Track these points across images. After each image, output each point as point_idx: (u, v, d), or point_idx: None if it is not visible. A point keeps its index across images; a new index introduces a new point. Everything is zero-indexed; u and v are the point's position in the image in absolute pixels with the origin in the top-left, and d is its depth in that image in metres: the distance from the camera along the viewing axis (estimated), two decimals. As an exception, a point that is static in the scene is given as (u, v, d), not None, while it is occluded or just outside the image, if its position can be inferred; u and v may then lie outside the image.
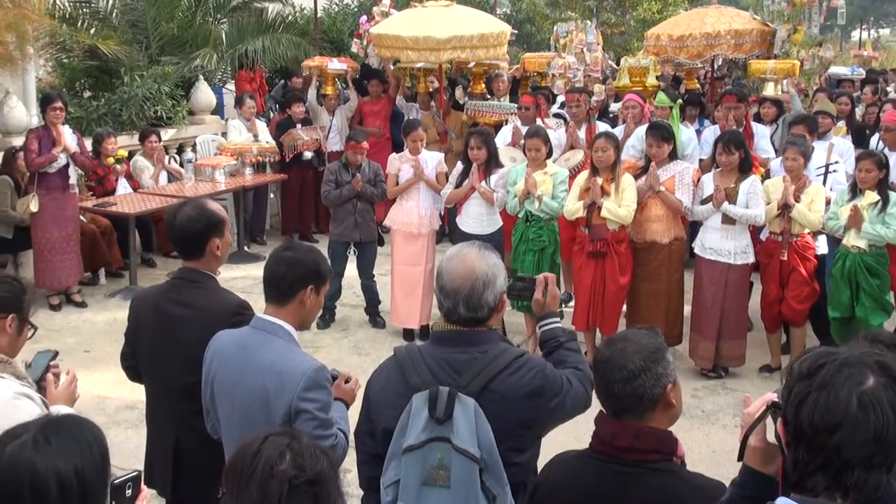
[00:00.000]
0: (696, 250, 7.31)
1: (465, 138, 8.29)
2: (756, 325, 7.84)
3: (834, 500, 1.79)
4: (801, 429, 1.80)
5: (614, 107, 10.99)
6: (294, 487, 2.00)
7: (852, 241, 6.80)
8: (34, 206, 8.62)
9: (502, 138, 9.17)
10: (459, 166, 7.95)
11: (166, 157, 10.89)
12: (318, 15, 14.42)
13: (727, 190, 7.01)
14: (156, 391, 3.88)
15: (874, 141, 9.05)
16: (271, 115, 12.73)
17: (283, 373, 3.13)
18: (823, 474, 1.78)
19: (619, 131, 8.86)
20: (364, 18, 12.55)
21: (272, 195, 12.33)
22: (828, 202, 7.10)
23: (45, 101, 8.85)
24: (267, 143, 11.17)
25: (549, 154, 7.68)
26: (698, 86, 12.21)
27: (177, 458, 3.75)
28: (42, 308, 8.66)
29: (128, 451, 5.17)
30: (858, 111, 10.71)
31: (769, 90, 10.44)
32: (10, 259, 9.36)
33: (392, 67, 11.92)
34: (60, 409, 2.98)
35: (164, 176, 10.62)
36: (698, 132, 9.43)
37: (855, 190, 6.91)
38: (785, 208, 6.98)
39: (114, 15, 12.75)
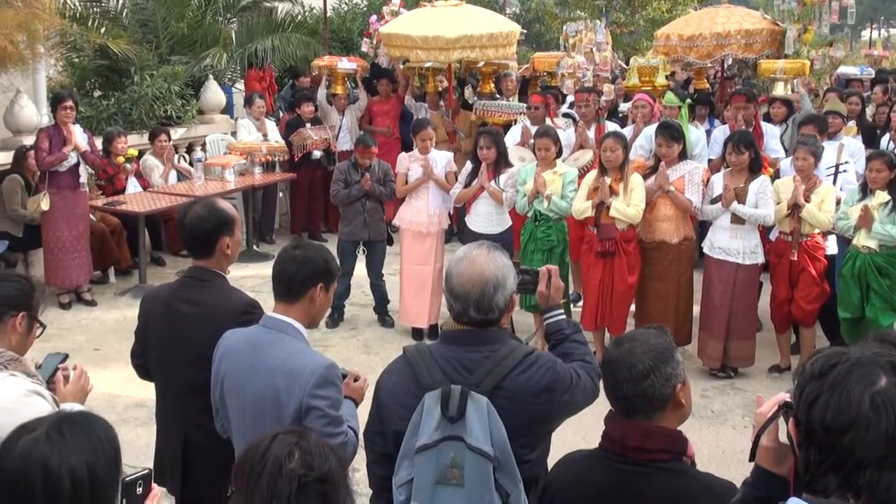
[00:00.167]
0: (706, 250, 7.30)
1: (475, 138, 8.29)
2: (765, 325, 7.83)
3: (846, 501, 1.78)
4: (813, 429, 1.80)
5: (623, 106, 10.97)
6: (303, 486, 2.00)
7: (862, 241, 6.78)
8: (45, 205, 8.65)
9: (512, 138, 9.17)
10: (469, 166, 7.95)
11: (176, 157, 10.91)
12: (328, 14, 14.44)
13: (737, 190, 7.00)
14: (165, 389, 3.89)
15: (885, 141, 9.03)
16: (280, 114, 12.74)
17: (293, 370, 3.14)
18: (835, 475, 1.77)
19: (628, 131, 8.84)
20: (374, 18, 12.56)
21: (281, 194, 12.34)
22: (838, 202, 7.08)
23: (55, 101, 8.89)
24: (276, 142, 11.19)
25: (559, 154, 7.68)
26: (707, 85, 12.17)
27: (186, 457, 3.76)
28: (52, 306, 8.69)
29: (137, 449, 5.19)
30: (869, 111, 10.67)
31: (779, 90, 10.41)
32: (20, 257, 9.39)
33: (401, 67, 11.92)
34: (73, 407, 2.99)
35: (173, 175, 10.64)
36: (708, 132, 9.42)
37: (865, 190, 6.89)
38: (795, 208, 6.97)
39: (124, 14, 12.78)
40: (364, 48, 12.62)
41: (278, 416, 3.12)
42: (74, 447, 1.96)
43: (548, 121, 9.18)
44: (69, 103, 8.69)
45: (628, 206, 7.05)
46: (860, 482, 1.75)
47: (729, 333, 7.20)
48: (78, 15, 12.13)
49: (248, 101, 11.63)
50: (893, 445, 1.75)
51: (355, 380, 3.49)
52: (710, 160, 8.57)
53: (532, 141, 8.28)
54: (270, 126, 11.41)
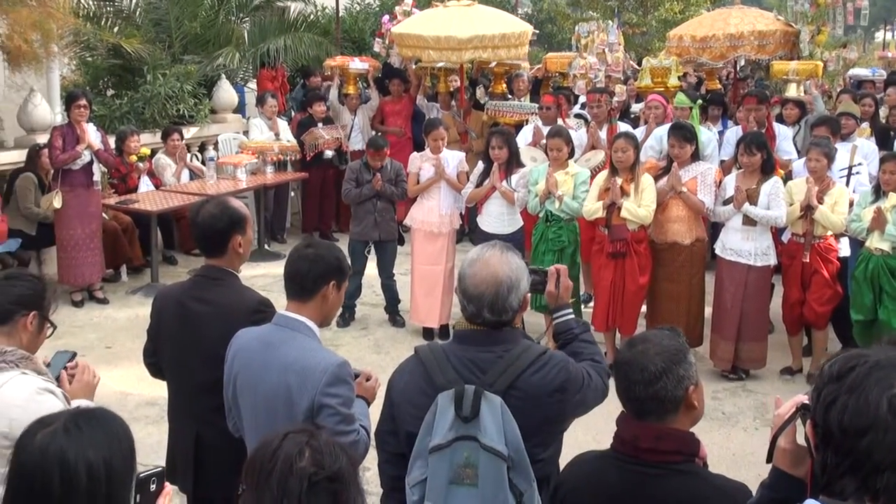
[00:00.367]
0: (717, 251, 7.28)
1: (487, 138, 8.29)
2: (777, 327, 7.80)
3: (863, 504, 1.77)
4: (831, 431, 1.79)
5: (636, 107, 10.96)
6: (313, 484, 2.01)
7: (875, 243, 6.75)
8: (57, 203, 8.69)
9: (523, 138, 9.16)
10: (480, 165, 7.95)
11: (188, 156, 10.94)
12: (340, 14, 14.46)
13: (749, 191, 6.98)
14: (177, 388, 3.90)
15: (898, 143, 8.98)
16: (292, 113, 12.76)
17: (305, 368, 3.14)
18: (852, 477, 1.77)
19: (640, 132, 8.83)
20: (386, 18, 12.57)
21: (293, 194, 12.36)
22: (851, 204, 7.05)
23: (69, 99, 8.92)
24: (288, 141, 11.20)
25: (571, 154, 7.67)
26: (719, 86, 12.15)
27: (198, 455, 3.77)
28: (64, 304, 8.73)
29: (149, 447, 5.20)
30: (882, 113, 10.62)
31: (792, 91, 10.37)
32: (33, 255, 9.42)
33: (414, 67, 11.92)
34: (84, 403, 3.00)
35: (185, 174, 10.67)
36: (721, 133, 9.40)
37: (878, 192, 6.86)
38: (808, 210, 6.94)
39: (137, 14, 12.83)
40: (376, 48, 12.63)
41: (290, 414, 3.13)
42: (91, 441, 1.97)
43: (559, 121, 9.17)
44: (83, 102, 8.72)
45: (639, 206, 7.04)
46: (878, 485, 1.74)
47: (740, 335, 7.18)
48: (91, 14, 12.17)
49: (261, 101, 11.65)
50: None
51: (367, 379, 3.49)
52: (722, 161, 8.55)
53: (544, 141, 8.27)
54: (282, 125, 11.43)
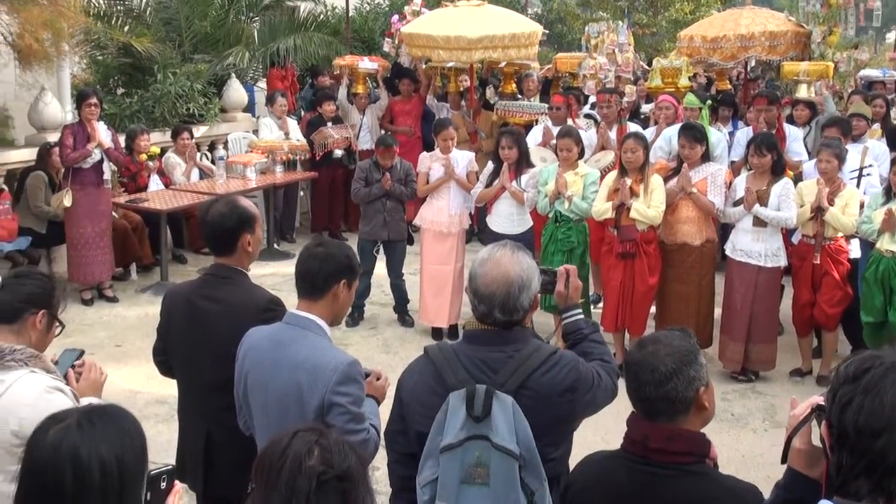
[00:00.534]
0: (727, 252, 7.26)
1: (497, 138, 8.28)
2: (787, 328, 7.78)
3: (877, 505, 1.77)
4: (846, 432, 1.78)
5: (645, 108, 10.94)
6: (322, 483, 2.00)
7: (886, 245, 6.72)
8: (67, 201, 8.71)
9: (533, 138, 9.15)
10: (490, 165, 7.94)
11: (198, 155, 10.95)
12: (350, 14, 14.46)
13: (759, 192, 6.96)
14: (187, 386, 3.91)
15: (909, 144, 8.95)
16: (302, 113, 12.77)
17: (316, 367, 3.15)
18: (867, 479, 1.76)
19: (650, 132, 8.82)
20: (396, 17, 12.57)
21: (302, 193, 12.38)
22: (862, 206, 7.03)
23: (80, 98, 8.94)
24: (298, 140, 11.22)
25: (581, 155, 7.66)
26: (730, 87, 12.13)
27: (208, 453, 3.78)
28: (74, 302, 8.75)
29: (158, 445, 5.21)
30: (893, 114, 10.58)
31: (802, 92, 10.35)
32: (43, 253, 9.45)
33: (424, 66, 11.93)
34: (93, 401, 3.00)
35: (195, 173, 10.69)
36: (731, 134, 9.38)
37: (889, 193, 6.84)
38: (818, 211, 6.92)
39: (147, 13, 12.85)
40: (386, 48, 12.64)
41: (301, 412, 3.13)
42: (104, 438, 1.97)
43: (569, 121, 9.16)
44: (94, 100, 8.74)
45: (649, 207, 7.03)
46: (892, 487, 1.74)
47: (750, 336, 7.16)
48: (102, 13, 12.21)
49: (270, 100, 11.66)
50: None
51: (377, 378, 3.49)
52: (732, 162, 8.53)
53: (553, 141, 8.26)
54: (292, 125, 11.45)
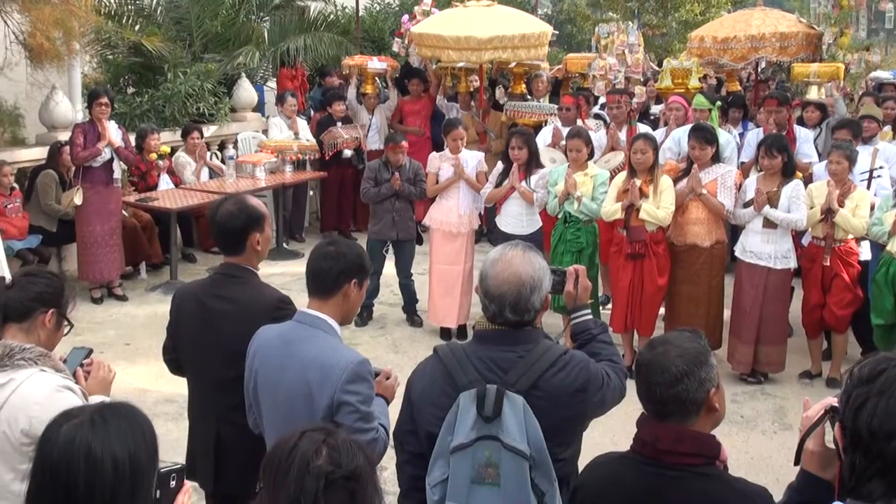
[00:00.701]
0: (737, 253, 7.24)
1: (506, 138, 8.28)
2: (797, 330, 7.76)
3: (890, 507, 1.76)
4: (859, 434, 1.78)
5: (655, 109, 10.93)
6: (330, 483, 2.01)
7: (897, 247, 6.70)
8: (78, 200, 8.74)
9: (542, 139, 9.14)
10: (500, 166, 7.94)
11: (208, 154, 10.97)
12: (360, 13, 14.47)
13: (769, 194, 6.94)
14: (197, 385, 3.92)
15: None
16: (311, 113, 12.78)
17: (325, 366, 3.15)
18: (881, 480, 1.76)
19: (660, 133, 8.80)
20: (405, 17, 12.57)
21: (312, 192, 12.39)
22: (872, 207, 7.00)
23: (91, 97, 8.97)
24: (307, 140, 11.23)
25: (591, 155, 7.65)
26: (739, 88, 12.10)
27: (217, 452, 3.79)
28: (84, 301, 8.76)
29: (167, 443, 5.19)
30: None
31: (813, 94, 10.33)
32: (53, 252, 9.48)
33: (433, 67, 11.92)
34: (103, 399, 3.01)
35: (205, 172, 10.71)
36: (741, 135, 9.35)
37: (900, 195, 6.81)
38: (828, 213, 6.90)
39: (158, 12, 12.88)
40: (395, 48, 12.63)
41: (310, 411, 3.13)
42: (117, 435, 1.98)
43: (579, 122, 9.15)
44: (104, 100, 8.76)
45: (658, 208, 7.01)
46: None
47: (759, 338, 7.14)
48: (113, 12, 12.23)
49: (280, 100, 11.68)
50: None
51: (387, 378, 3.49)
52: (742, 163, 8.51)
53: (563, 142, 8.25)
54: (302, 124, 11.46)
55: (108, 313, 8.80)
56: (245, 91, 12.44)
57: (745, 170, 8.19)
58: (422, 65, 12.00)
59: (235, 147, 11.72)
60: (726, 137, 8.53)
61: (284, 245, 11.05)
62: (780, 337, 7.25)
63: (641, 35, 11.57)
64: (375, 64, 11.97)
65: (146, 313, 8.73)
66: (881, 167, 7.79)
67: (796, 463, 2.12)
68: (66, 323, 3.24)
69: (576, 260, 7.25)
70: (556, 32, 13.46)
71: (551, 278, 3.06)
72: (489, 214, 9.54)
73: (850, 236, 6.98)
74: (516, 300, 2.86)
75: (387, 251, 8.41)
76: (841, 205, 6.89)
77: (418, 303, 8.62)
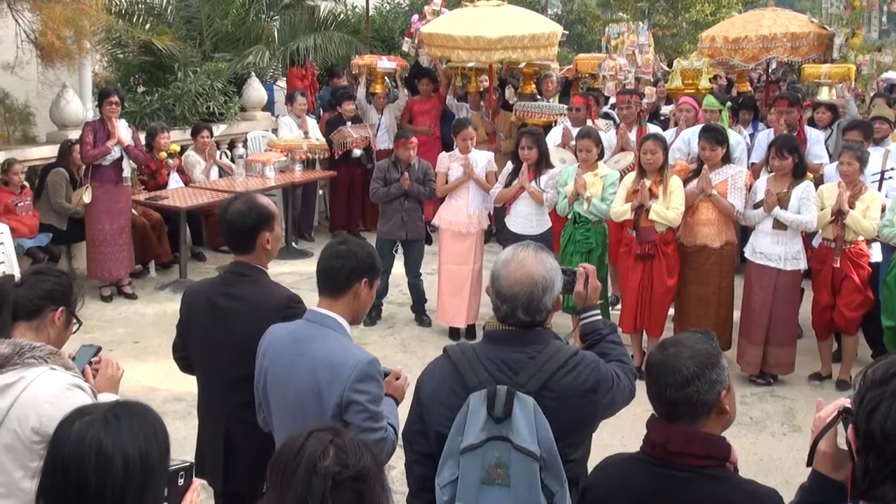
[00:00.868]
0: (747, 254, 7.22)
1: (516, 138, 8.26)
2: (806, 332, 7.73)
3: (904, 509, 1.75)
4: (873, 436, 1.77)
5: (665, 109, 10.91)
6: (337, 483, 2.00)
7: (908, 249, 6.68)
8: (87, 198, 8.76)
9: (552, 139, 9.12)
10: (509, 165, 7.93)
11: (217, 153, 10.99)
12: (370, 13, 14.48)
13: (780, 195, 6.91)
14: (206, 383, 3.92)
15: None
16: (321, 112, 12.79)
17: (335, 364, 3.15)
18: (894, 483, 1.75)
19: (670, 133, 8.78)
20: (416, 17, 12.56)
21: (321, 192, 12.39)
22: (883, 209, 6.97)
23: (102, 95, 8.99)
24: (317, 140, 11.24)
25: (601, 156, 7.64)
26: (750, 88, 12.06)
27: (227, 450, 3.79)
28: (93, 299, 8.78)
29: (176, 441, 5.18)
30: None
31: (823, 95, 10.29)
32: (63, 250, 9.51)
33: (443, 66, 11.92)
34: (111, 398, 3.01)
35: (214, 171, 10.73)
36: (752, 136, 9.33)
37: (911, 197, 6.78)
38: (839, 215, 6.87)
39: (169, 11, 12.92)
40: (405, 47, 12.63)
41: (320, 409, 3.14)
42: (129, 433, 1.98)
43: (589, 122, 9.13)
44: (114, 98, 8.78)
45: (668, 208, 7.00)
46: None
47: (768, 340, 7.12)
48: (123, 11, 12.28)
49: (290, 99, 11.70)
50: None
51: (396, 378, 3.49)
52: (752, 164, 8.49)
53: (573, 142, 8.24)
54: (311, 124, 11.47)
55: (118, 311, 8.81)
56: (255, 90, 12.46)
57: (755, 171, 8.16)
58: (432, 64, 11.99)
59: (245, 146, 11.74)
60: (736, 138, 8.51)
61: (293, 244, 11.06)
62: (790, 338, 7.22)
63: (652, 35, 11.55)
64: (385, 63, 11.97)
65: (155, 312, 8.75)
66: (892, 168, 7.77)
67: (809, 464, 2.11)
68: (75, 321, 3.25)
69: (585, 260, 7.23)
70: (567, 32, 13.43)
71: (561, 278, 3.05)
72: (498, 214, 9.53)
73: (861, 238, 6.95)
74: (529, 301, 2.86)
75: (396, 251, 8.40)
76: (851, 206, 6.86)
77: (427, 302, 8.61)
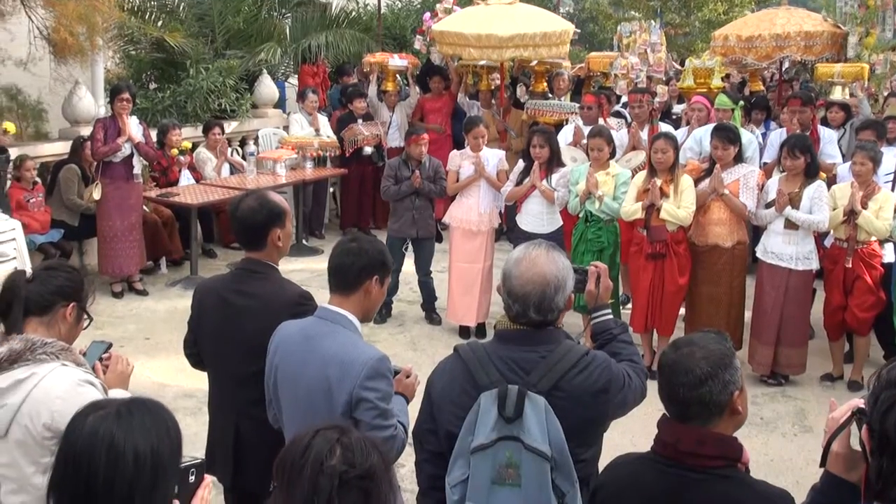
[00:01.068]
0: (759, 254, 7.20)
1: (528, 136, 8.25)
2: (818, 332, 7.70)
3: (919, 511, 1.74)
4: (888, 437, 1.76)
5: (677, 108, 10.88)
6: (344, 483, 2.00)
7: (921, 249, 6.64)
8: (97, 194, 8.79)
9: (563, 137, 9.11)
10: (521, 164, 7.92)
11: (229, 150, 11.01)
12: (382, 11, 14.48)
13: (791, 195, 6.89)
14: (217, 379, 3.92)
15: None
16: (331, 110, 12.80)
17: (345, 361, 3.15)
18: None
19: (682, 133, 8.75)
20: (427, 15, 12.55)
21: (331, 189, 12.40)
22: (896, 209, 6.94)
23: (113, 92, 9.02)
24: (328, 137, 11.24)
25: (612, 155, 7.62)
26: (762, 87, 12.02)
27: (237, 447, 3.80)
28: (104, 295, 8.80)
29: (186, 438, 5.20)
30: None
31: (837, 94, 10.24)
32: (75, 246, 9.54)
33: (455, 64, 11.91)
34: (121, 394, 3.02)
35: (226, 168, 10.75)
36: (763, 135, 9.29)
37: (925, 198, 6.75)
38: (851, 215, 6.84)
39: (181, 8, 12.94)
40: (417, 45, 12.63)
41: (330, 406, 3.14)
42: (141, 429, 1.99)
43: (600, 121, 9.11)
44: (126, 95, 8.80)
45: (679, 207, 6.98)
46: None
47: (780, 340, 7.09)
48: (136, 8, 12.29)
49: (301, 96, 11.70)
50: None
51: (407, 376, 3.48)
52: (764, 163, 8.46)
53: (584, 141, 8.23)
54: (322, 121, 11.47)
55: (129, 308, 8.84)
56: (266, 87, 12.47)
57: (767, 170, 8.13)
58: (443, 62, 11.98)
59: (256, 143, 11.77)
60: (748, 137, 8.48)
61: (304, 242, 11.07)
62: (801, 339, 7.20)
63: (664, 34, 11.51)
64: (397, 61, 11.97)
65: (166, 308, 8.77)
66: (906, 168, 7.72)
67: (822, 465, 2.10)
68: (86, 317, 3.25)
69: (597, 259, 7.21)
70: (578, 31, 13.40)
71: (574, 277, 3.04)
72: (509, 213, 9.52)
73: (874, 238, 6.92)
74: (540, 300, 2.84)
75: (406, 249, 8.40)
76: (864, 206, 6.83)
77: (437, 300, 8.61)
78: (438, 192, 8.37)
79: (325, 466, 2.00)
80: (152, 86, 12.26)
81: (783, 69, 11.97)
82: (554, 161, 7.74)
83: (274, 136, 11.84)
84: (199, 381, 4.15)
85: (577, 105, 10.17)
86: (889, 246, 7.22)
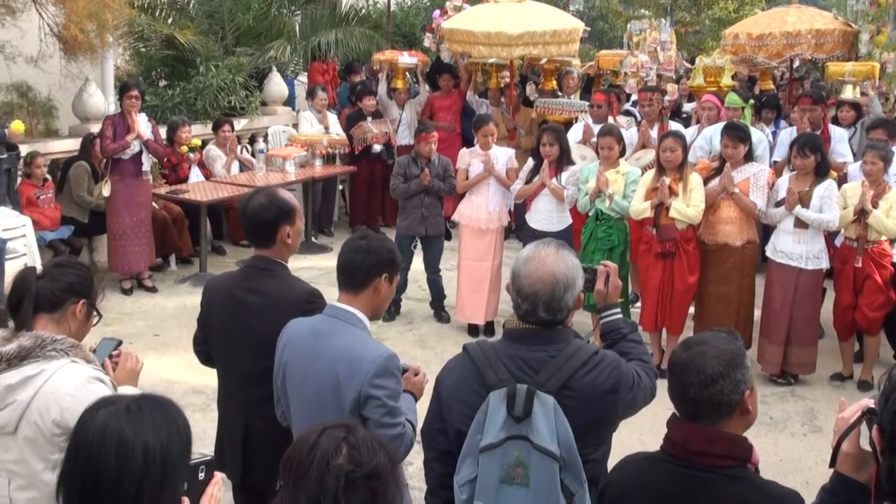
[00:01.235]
0: (768, 253, 7.18)
1: (538, 134, 8.24)
2: (828, 332, 7.68)
3: (929, 511, 1.73)
4: None
5: (687, 107, 10.86)
6: (350, 482, 2.00)
7: (931, 249, 6.61)
8: (106, 191, 8.81)
9: (573, 136, 9.09)
10: (530, 162, 7.91)
11: (238, 147, 11.02)
12: (391, 8, 14.47)
13: (801, 194, 6.86)
14: (226, 376, 3.93)
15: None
16: (340, 108, 12.80)
17: (354, 359, 3.15)
18: None
19: (691, 131, 8.73)
20: (437, 13, 12.54)
21: (341, 187, 12.41)
22: (907, 209, 6.91)
23: (122, 89, 9.03)
24: (337, 135, 11.25)
25: (622, 153, 7.61)
26: (772, 86, 11.97)
27: (246, 444, 3.80)
28: (114, 292, 8.82)
29: (195, 434, 5.22)
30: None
31: (847, 93, 10.20)
32: (85, 243, 9.56)
33: (464, 62, 11.90)
34: (130, 390, 3.02)
35: (235, 165, 10.76)
36: (773, 134, 9.26)
37: (936, 197, 6.72)
38: (862, 214, 6.81)
39: (191, 5, 12.96)
40: (426, 43, 12.62)
41: (338, 404, 3.14)
42: (151, 425, 1.99)
43: (610, 119, 9.10)
44: (135, 92, 8.80)
45: (688, 206, 6.96)
46: None
47: (789, 339, 7.07)
48: (146, 5, 12.31)
49: (311, 94, 11.70)
50: None
51: (415, 374, 3.48)
52: (775, 162, 8.43)
53: (594, 139, 8.21)
54: (332, 119, 11.48)
55: (138, 304, 8.86)
56: (276, 85, 12.49)
57: (777, 169, 8.10)
58: (453, 60, 11.97)
59: (266, 141, 11.78)
60: (759, 136, 8.45)
61: (313, 239, 11.08)
62: (811, 338, 7.17)
63: (674, 32, 11.48)
64: (406, 59, 11.97)
65: (175, 305, 8.79)
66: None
67: (831, 465, 2.09)
68: (95, 313, 3.26)
69: (607, 258, 7.19)
70: (588, 29, 13.37)
71: (583, 276, 3.03)
72: (518, 211, 9.51)
73: (884, 237, 6.89)
74: (550, 299, 2.84)
75: (415, 247, 8.39)
76: (875, 206, 6.80)
77: (446, 299, 8.60)
78: (448, 190, 8.36)
79: (331, 465, 2.00)
80: (162, 83, 12.29)
81: (794, 67, 11.92)
82: (564, 159, 7.73)
83: (283, 133, 11.85)
84: (209, 378, 4.16)
85: (587, 103, 10.15)
86: (900, 245, 7.19)
